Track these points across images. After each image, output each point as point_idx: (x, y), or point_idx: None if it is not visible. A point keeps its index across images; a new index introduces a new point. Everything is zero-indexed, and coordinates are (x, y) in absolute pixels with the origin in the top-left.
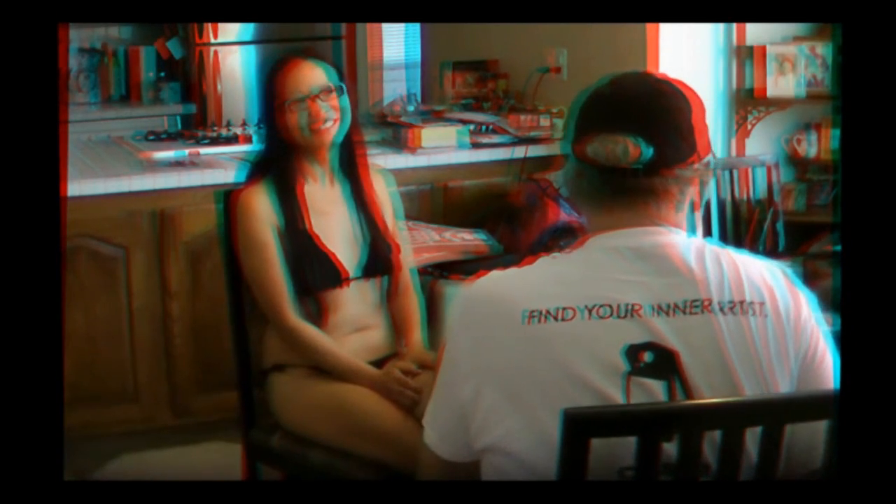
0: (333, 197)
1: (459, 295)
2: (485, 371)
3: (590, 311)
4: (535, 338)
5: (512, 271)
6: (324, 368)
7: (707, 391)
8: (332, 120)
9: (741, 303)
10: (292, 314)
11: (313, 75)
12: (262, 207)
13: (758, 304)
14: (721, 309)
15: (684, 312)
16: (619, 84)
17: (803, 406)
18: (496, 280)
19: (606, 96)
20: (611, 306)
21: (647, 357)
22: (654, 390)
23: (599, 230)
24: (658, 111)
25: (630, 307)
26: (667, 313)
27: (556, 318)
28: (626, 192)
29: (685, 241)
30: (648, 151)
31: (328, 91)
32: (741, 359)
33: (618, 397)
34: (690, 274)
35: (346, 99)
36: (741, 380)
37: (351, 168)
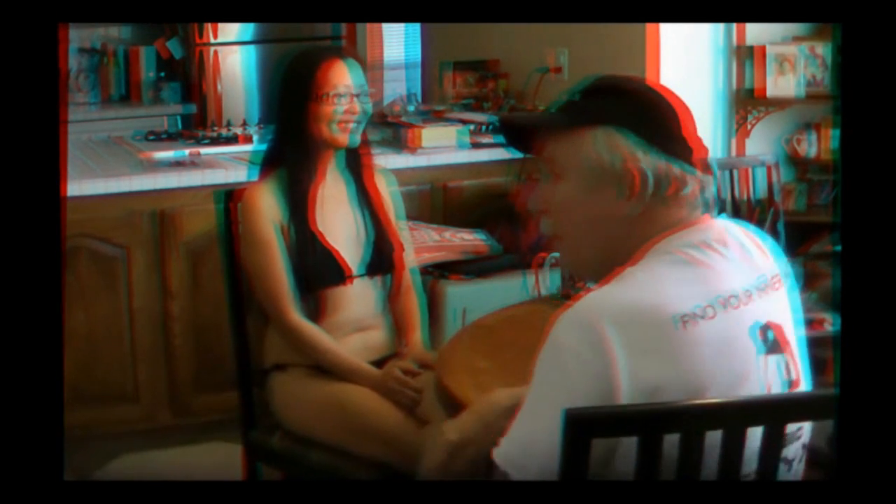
0: (337, 195)
1: (583, 318)
2: (646, 389)
3: (723, 305)
4: (691, 342)
5: (617, 285)
6: (324, 367)
7: (800, 361)
8: (358, 122)
9: (785, 273)
10: (294, 312)
11: (356, 74)
12: (267, 204)
13: (782, 274)
14: (783, 276)
15: (772, 288)
16: (665, 95)
17: (803, 406)
18: (627, 291)
19: (677, 108)
20: (735, 295)
21: (769, 335)
22: (778, 366)
23: (657, 234)
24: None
25: (747, 292)
26: (764, 291)
27: (702, 318)
28: (711, 198)
29: (729, 224)
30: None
31: (364, 93)
32: (794, 325)
33: (759, 380)
34: (760, 252)
35: (371, 105)
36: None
37: (355, 167)
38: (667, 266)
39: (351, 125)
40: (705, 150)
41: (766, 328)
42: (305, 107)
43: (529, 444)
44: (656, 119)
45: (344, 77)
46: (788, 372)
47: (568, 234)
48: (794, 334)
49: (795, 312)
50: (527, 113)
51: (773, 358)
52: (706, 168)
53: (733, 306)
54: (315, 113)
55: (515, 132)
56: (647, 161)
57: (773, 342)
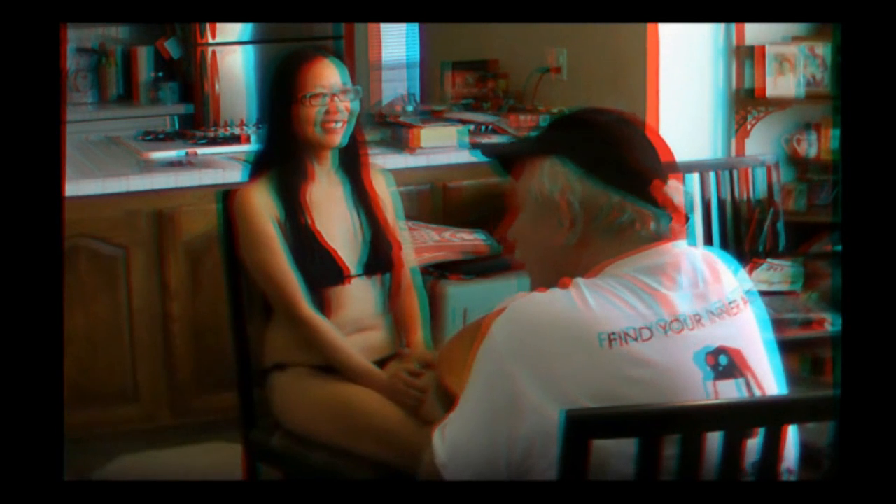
0: (333, 196)
1: (509, 322)
2: (559, 401)
3: (664, 328)
4: (616, 361)
5: (556, 294)
6: (332, 364)
7: (766, 382)
8: (343, 121)
9: (748, 292)
10: (306, 305)
11: (336, 73)
12: (263, 202)
13: (747, 291)
14: (744, 301)
15: (729, 314)
16: (631, 127)
17: (804, 406)
18: (550, 303)
19: (647, 141)
20: (679, 320)
21: (721, 360)
22: (734, 391)
23: (604, 262)
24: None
25: (696, 317)
26: (719, 317)
27: (634, 339)
28: (666, 229)
29: (687, 249)
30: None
31: (346, 91)
32: (764, 345)
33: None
34: (717, 277)
35: (358, 103)
36: (770, 365)
37: (351, 167)
38: (610, 287)
39: (335, 125)
40: (662, 183)
41: (717, 353)
42: (289, 109)
43: (458, 433)
44: (598, 147)
45: (322, 78)
46: (751, 394)
47: (527, 262)
48: (762, 356)
49: (765, 333)
50: (499, 143)
51: (726, 383)
52: (666, 201)
53: (675, 330)
54: (298, 115)
55: (491, 161)
56: (583, 190)
57: (726, 367)
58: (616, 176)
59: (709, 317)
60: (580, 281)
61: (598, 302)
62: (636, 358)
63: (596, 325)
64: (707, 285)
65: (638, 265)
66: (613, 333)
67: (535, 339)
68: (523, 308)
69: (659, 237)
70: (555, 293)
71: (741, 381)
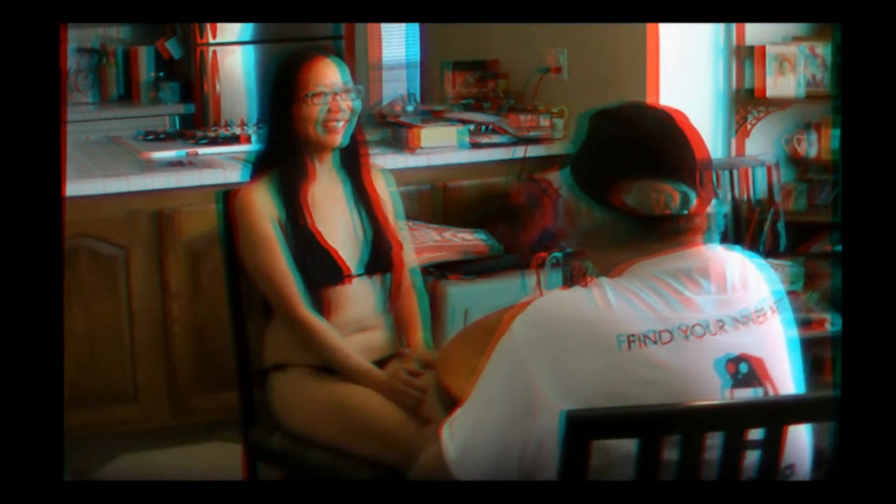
0: (334, 195)
1: (529, 319)
2: (574, 400)
3: (685, 333)
4: (634, 363)
5: (578, 293)
6: (330, 365)
7: (785, 392)
8: (345, 121)
9: (779, 301)
10: (303, 306)
11: (337, 72)
12: (263, 202)
13: (777, 300)
14: (773, 310)
15: (755, 322)
16: (640, 124)
17: (804, 407)
18: (572, 302)
19: (634, 140)
20: (702, 325)
21: (741, 368)
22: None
23: (631, 260)
24: (691, 155)
25: (719, 323)
26: (744, 324)
27: (654, 342)
28: (669, 235)
29: (720, 253)
30: (692, 197)
31: (347, 90)
32: (789, 354)
33: None
34: (746, 284)
35: (359, 102)
36: (792, 374)
37: (352, 167)
38: (634, 288)
39: (337, 125)
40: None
41: (738, 361)
42: (290, 108)
43: (470, 429)
44: (598, 173)
45: (324, 76)
46: None
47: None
48: (785, 366)
49: (790, 343)
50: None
51: (744, 392)
52: (708, 193)
53: (697, 335)
54: (299, 114)
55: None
56: (592, 219)
57: (745, 375)
58: (599, 192)
59: (733, 323)
60: (604, 280)
61: (620, 302)
62: (654, 361)
63: (615, 327)
64: (735, 291)
65: (665, 267)
66: (633, 335)
67: (554, 337)
68: (544, 306)
69: (698, 234)
70: (577, 292)
71: (759, 390)
